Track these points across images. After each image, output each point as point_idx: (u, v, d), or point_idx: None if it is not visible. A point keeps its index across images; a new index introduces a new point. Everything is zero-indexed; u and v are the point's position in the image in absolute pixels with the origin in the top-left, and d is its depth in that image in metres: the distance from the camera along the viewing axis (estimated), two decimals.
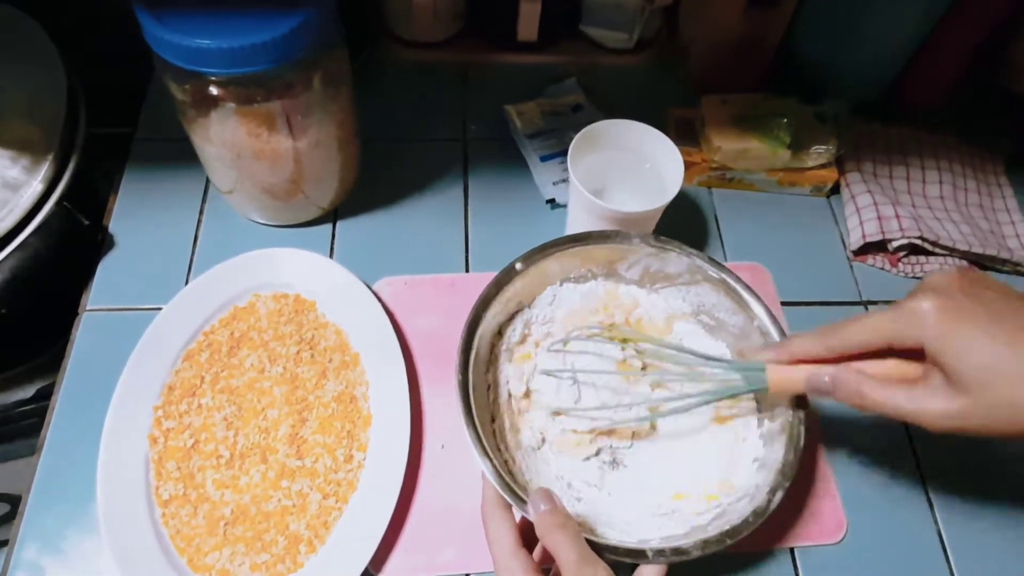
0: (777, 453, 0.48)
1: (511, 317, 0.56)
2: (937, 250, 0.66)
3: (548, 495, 0.43)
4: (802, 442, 0.48)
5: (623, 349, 0.55)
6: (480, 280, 0.62)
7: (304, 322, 0.58)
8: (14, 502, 0.72)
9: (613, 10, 0.75)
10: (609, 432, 0.53)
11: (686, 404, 0.49)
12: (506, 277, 0.53)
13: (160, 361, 0.55)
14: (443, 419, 0.56)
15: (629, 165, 0.62)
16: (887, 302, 0.65)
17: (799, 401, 0.49)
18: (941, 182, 0.71)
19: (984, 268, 0.68)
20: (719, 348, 0.57)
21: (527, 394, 0.55)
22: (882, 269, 0.68)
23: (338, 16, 0.53)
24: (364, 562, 0.48)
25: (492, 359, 0.54)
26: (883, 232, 0.65)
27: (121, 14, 0.51)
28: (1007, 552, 0.55)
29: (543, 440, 0.53)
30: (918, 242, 0.65)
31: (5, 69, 0.59)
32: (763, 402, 0.53)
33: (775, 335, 0.52)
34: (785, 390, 0.45)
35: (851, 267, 0.68)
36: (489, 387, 0.53)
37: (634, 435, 0.54)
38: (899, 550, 0.54)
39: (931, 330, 0.38)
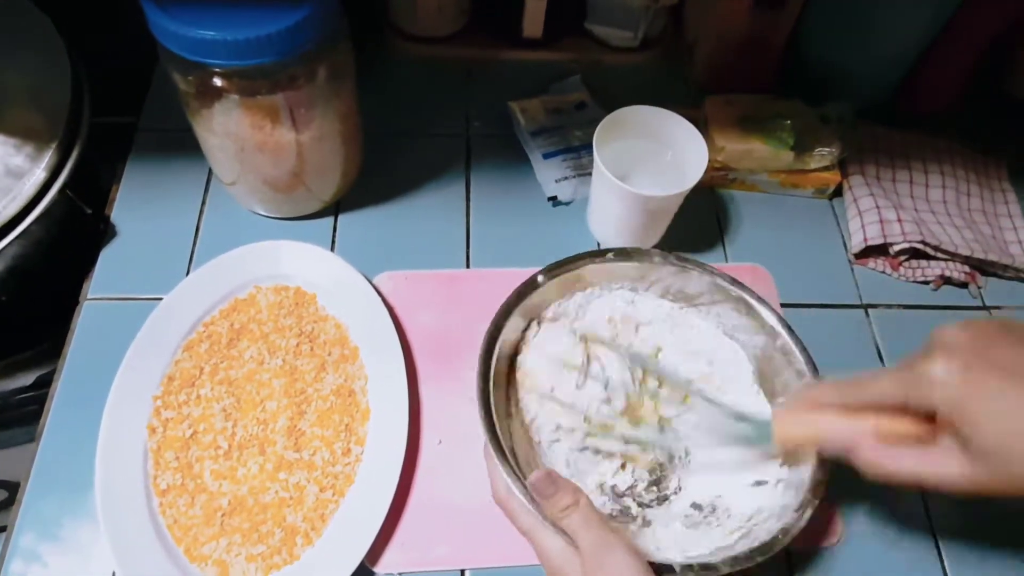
0: (803, 473, 0.47)
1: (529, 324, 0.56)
2: (939, 254, 0.66)
3: (551, 478, 0.42)
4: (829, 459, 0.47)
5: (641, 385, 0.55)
6: (481, 277, 0.63)
7: (304, 315, 0.58)
8: (12, 489, 0.72)
9: (618, 8, 0.75)
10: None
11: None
12: (527, 289, 0.53)
13: (160, 351, 0.55)
14: (441, 415, 0.56)
15: (652, 153, 0.63)
16: (887, 306, 0.65)
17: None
18: (944, 186, 0.71)
19: (985, 274, 0.68)
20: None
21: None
22: (883, 273, 0.68)
23: (343, 9, 0.53)
24: (360, 556, 0.48)
25: (512, 369, 0.54)
26: (885, 235, 0.65)
27: (127, 4, 0.51)
28: (1002, 556, 0.55)
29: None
30: (920, 246, 0.65)
31: (10, 57, 0.59)
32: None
33: (799, 355, 0.51)
34: (792, 447, 0.44)
35: (852, 270, 0.68)
36: (509, 398, 0.53)
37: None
38: (894, 554, 0.54)
39: (942, 397, 0.36)
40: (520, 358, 0.54)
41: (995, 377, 0.35)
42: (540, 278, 0.54)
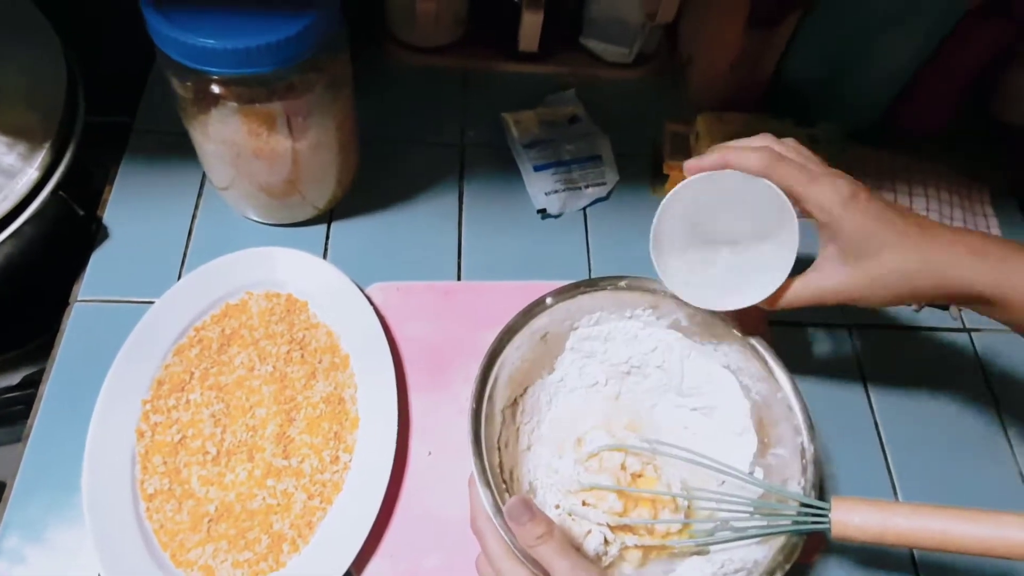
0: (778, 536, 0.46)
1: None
2: None
3: (527, 504, 0.41)
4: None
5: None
6: (471, 289, 0.63)
7: (295, 322, 0.58)
8: None
9: (614, 24, 0.76)
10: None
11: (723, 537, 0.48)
12: (535, 309, 0.52)
13: (150, 355, 0.55)
14: (432, 426, 0.56)
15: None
16: (870, 326, 0.67)
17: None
18: (928, 209, 0.73)
19: None
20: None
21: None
22: None
23: (342, 19, 0.53)
24: (346, 563, 0.48)
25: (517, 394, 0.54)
26: None
27: (124, 4, 0.51)
28: (980, 567, 0.56)
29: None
30: None
31: (5, 55, 0.59)
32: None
33: (798, 411, 0.50)
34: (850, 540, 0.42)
35: None
36: (503, 420, 0.52)
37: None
38: (873, 568, 0.55)
39: (839, 209, 0.44)
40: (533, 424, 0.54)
41: (880, 206, 0.45)
42: (549, 300, 0.52)
